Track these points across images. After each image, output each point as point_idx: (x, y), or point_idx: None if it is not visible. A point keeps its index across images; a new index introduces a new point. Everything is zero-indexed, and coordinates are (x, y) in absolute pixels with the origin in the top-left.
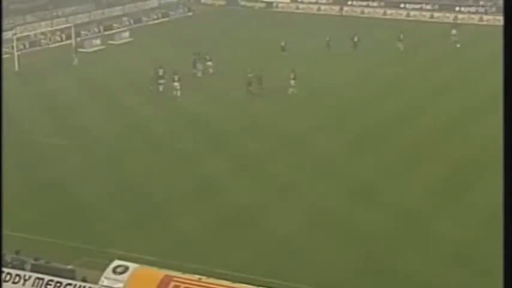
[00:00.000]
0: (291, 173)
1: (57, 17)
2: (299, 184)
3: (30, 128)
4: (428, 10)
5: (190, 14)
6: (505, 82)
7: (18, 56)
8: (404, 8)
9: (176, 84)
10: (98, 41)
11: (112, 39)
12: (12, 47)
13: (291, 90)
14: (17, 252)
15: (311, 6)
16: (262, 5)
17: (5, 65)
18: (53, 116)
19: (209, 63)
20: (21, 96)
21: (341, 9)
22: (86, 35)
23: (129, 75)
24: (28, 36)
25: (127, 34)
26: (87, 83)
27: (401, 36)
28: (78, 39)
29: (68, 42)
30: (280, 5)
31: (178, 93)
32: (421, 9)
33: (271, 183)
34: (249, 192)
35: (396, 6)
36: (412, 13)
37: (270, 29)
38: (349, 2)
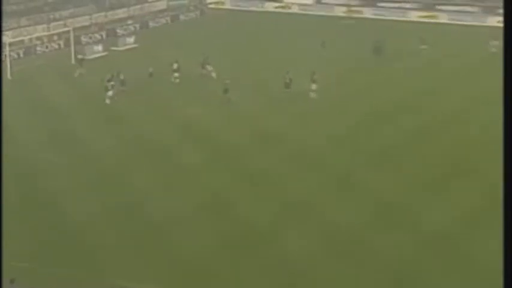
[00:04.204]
0: (308, 191)
1: (55, 20)
2: (319, 202)
3: (22, 143)
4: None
5: (201, 17)
6: (505, 82)
7: (11, 62)
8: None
9: None
10: (100, 47)
11: (115, 45)
12: (4, 53)
13: (312, 95)
14: (12, 281)
15: (329, 8)
16: (277, 7)
17: None
18: (47, 130)
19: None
20: (12, 107)
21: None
22: (88, 41)
23: None
24: (22, 41)
25: (132, 39)
26: (86, 93)
27: (426, 41)
28: (78, 45)
29: (66, 48)
30: (295, 7)
31: None
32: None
33: (285, 200)
34: (261, 209)
35: (431, 8)
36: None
37: (285, 32)
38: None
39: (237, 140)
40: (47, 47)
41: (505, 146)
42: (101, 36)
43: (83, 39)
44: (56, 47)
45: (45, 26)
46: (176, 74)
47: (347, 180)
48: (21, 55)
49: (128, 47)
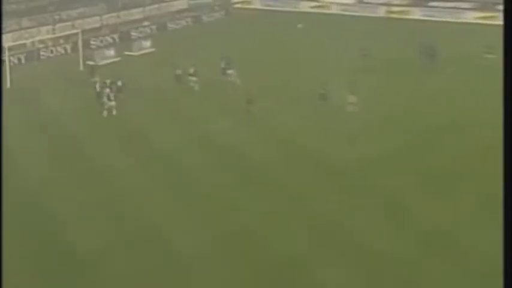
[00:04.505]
0: (349, 218)
1: (61, 21)
2: (362, 230)
3: (22, 161)
4: None
5: (226, 18)
6: (505, 82)
7: (11, 69)
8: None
9: None
10: (112, 52)
11: (129, 50)
12: (3, 58)
13: (351, 108)
14: None
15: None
16: (313, 7)
17: None
18: (50, 148)
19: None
20: (11, 121)
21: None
22: (99, 45)
23: None
24: (23, 45)
25: (148, 43)
26: (95, 106)
27: (492, 47)
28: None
29: (73, 53)
30: (334, 6)
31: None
32: None
33: (316, 226)
34: (297, 240)
35: (490, 8)
36: None
37: (322, 35)
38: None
39: (267, 160)
40: (51, 52)
41: (505, 146)
42: (113, 39)
43: (93, 42)
44: (62, 51)
45: (50, 27)
46: (194, 81)
47: (393, 206)
48: (23, 60)
49: (143, 51)
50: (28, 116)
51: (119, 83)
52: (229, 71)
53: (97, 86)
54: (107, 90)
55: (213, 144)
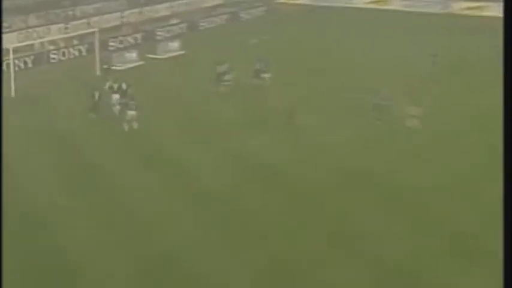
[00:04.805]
0: (416, 255)
1: (75, 18)
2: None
3: (27, 184)
4: None
5: (268, 15)
6: (505, 81)
7: (16, 74)
8: None
9: None
10: (134, 54)
11: (153, 52)
12: (7, 62)
13: (412, 122)
14: None
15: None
16: (369, 3)
17: None
18: (61, 165)
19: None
20: (15, 137)
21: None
22: (118, 46)
23: None
24: (31, 46)
25: (176, 44)
26: (114, 118)
27: None
28: (105, 51)
29: (89, 55)
30: (396, 2)
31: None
32: None
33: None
34: (361, 275)
35: None
36: None
37: (379, 35)
38: None
39: (312, 184)
40: (64, 54)
41: (505, 146)
42: (135, 39)
43: (112, 44)
44: (76, 53)
45: (61, 26)
46: (229, 90)
47: (470, 242)
48: (30, 64)
49: (170, 54)
50: (36, 130)
51: (140, 91)
52: (265, 75)
53: (116, 94)
54: (127, 99)
55: (248, 164)
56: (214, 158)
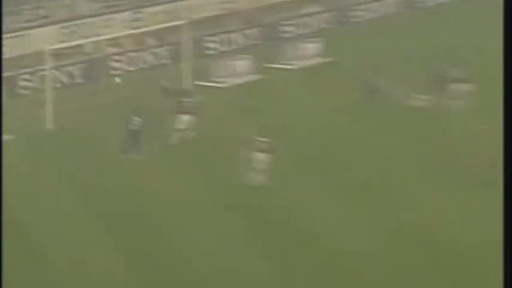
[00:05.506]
0: None
1: (149, 3)
2: None
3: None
4: None
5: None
6: (505, 80)
7: (56, 93)
8: None
9: None
10: (245, 63)
11: (273, 59)
12: (41, 74)
13: None
14: None
15: None
16: None
17: (26, 113)
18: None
19: None
20: (56, 183)
21: None
22: (219, 48)
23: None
24: (78, 48)
25: (315, 47)
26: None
27: None
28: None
29: (173, 62)
30: None
31: None
32: None
33: None
34: None
35: None
36: None
37: None
38: None
39: None
40: (132, 62)
41: (505, 146)
42: (247, 38)
43: (210, 45)
44: (152, 60)
45: (128, 16)
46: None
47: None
48: (78, 78)
49: (307, 62)
50: (84, 181)
51: (260, 122)
52: (462, 89)
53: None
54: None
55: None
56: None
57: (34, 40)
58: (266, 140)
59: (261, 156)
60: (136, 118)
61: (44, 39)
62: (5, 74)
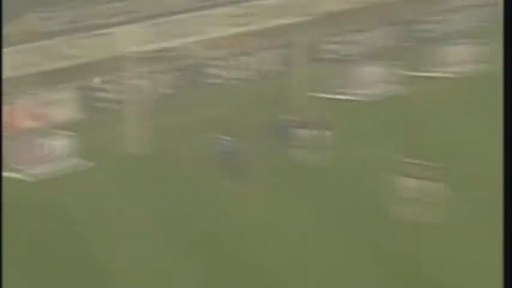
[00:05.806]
0: None
1: None
2: None
3: None
4: None
5: None
6: (505, 81)
7: (140, 108)
8: None
9: None
10: (379, 70)
11: (424, 66)
12: (121, 83)
13: None
14: None
15: None
16: None
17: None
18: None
19: None
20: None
21: None
22: (347, 52)
23: None
24: (168, 51)
25: (466, 51)
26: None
27: None
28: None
29: (283, 67)
30: None
31: None
32: None
33: None
34: None
35: None
36: None
37: None
38: None
39: None
40: (233, 67)
41: (505, 146)
42: (379, 39)
43: (330, 46)
44: (259, 65)
45: (233, 9)
46: None
47: None
48: (168, 88)
49: (457, 69)
50: (177, 219)
51: (401, 149)
52: None
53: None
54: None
55: None
56: None
57: (113, 41)
58: (418, 162)
59: (412, 182)
60: (235, 138)
61: (127, 39)
62: (78, 83)
